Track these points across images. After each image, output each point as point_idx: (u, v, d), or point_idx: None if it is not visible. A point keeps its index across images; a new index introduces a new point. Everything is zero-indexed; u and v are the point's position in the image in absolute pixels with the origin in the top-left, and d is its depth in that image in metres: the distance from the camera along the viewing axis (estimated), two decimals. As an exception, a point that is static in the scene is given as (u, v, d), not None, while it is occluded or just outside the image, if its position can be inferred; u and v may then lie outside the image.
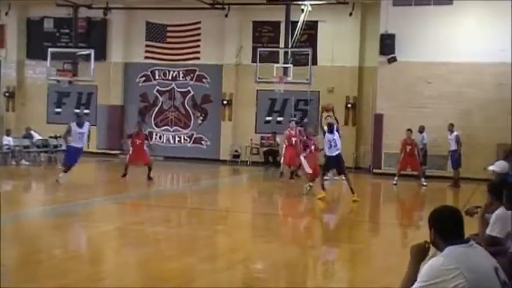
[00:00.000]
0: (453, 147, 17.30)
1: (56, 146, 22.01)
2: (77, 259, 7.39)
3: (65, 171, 14.42)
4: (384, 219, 12.59)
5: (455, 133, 17.38)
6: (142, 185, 14.86)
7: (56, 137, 22.19)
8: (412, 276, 3.26)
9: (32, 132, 21.87)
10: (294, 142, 17.17)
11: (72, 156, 14.70)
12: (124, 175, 15.33)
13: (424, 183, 16.93)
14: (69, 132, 14.59)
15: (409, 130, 17.68)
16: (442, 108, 19.35)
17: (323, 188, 13.50)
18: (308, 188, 13.99)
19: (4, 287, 5.59)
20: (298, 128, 17.36)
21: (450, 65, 19.49)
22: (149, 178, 15.33)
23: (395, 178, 17.12)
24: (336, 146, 13.43)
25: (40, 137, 21.80)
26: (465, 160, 17.65)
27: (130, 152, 15.61)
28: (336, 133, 13.48)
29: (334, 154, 13.39)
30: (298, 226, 11.27)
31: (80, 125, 14.62)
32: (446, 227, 3.30)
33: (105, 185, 16.59)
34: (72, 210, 11.18)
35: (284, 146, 17.46)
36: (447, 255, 3.18)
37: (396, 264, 6.83)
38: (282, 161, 17.73)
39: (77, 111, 25.14)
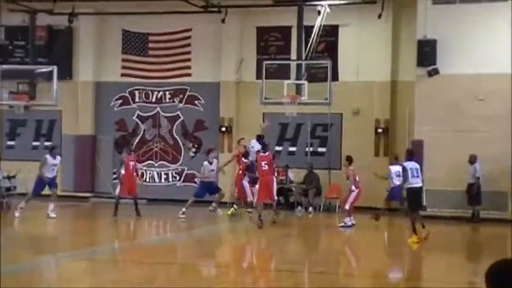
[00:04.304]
0: (471, 180, 18.59)
1: (8, 189, 21.87)
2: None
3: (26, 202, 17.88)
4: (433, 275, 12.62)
5: (475, 165, 18.53)
6: (120, 236, 14.96)
7: (8, 178, 22.17)
8: None
9: None
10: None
11: (42, 186, 18.51)
12: None
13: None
14: (44, 164, 18.34)
15: (348, 159, 18.02)
16: (499, 132, 19.33)
17: (415, 231, 14.62)
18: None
19: None
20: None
21: (506, 77, 19.53)
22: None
23: (350, 217, 17.52)
24: (418, 175, 14.97)
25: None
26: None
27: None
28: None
29: (419, 185, 15.00)
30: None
31: (54, 156, 18.59)
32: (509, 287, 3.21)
33: (73, 236, 16.68)
34: (35, 269, 11.26)
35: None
36: None
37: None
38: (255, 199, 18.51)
39: (45, 143, 25.17)
